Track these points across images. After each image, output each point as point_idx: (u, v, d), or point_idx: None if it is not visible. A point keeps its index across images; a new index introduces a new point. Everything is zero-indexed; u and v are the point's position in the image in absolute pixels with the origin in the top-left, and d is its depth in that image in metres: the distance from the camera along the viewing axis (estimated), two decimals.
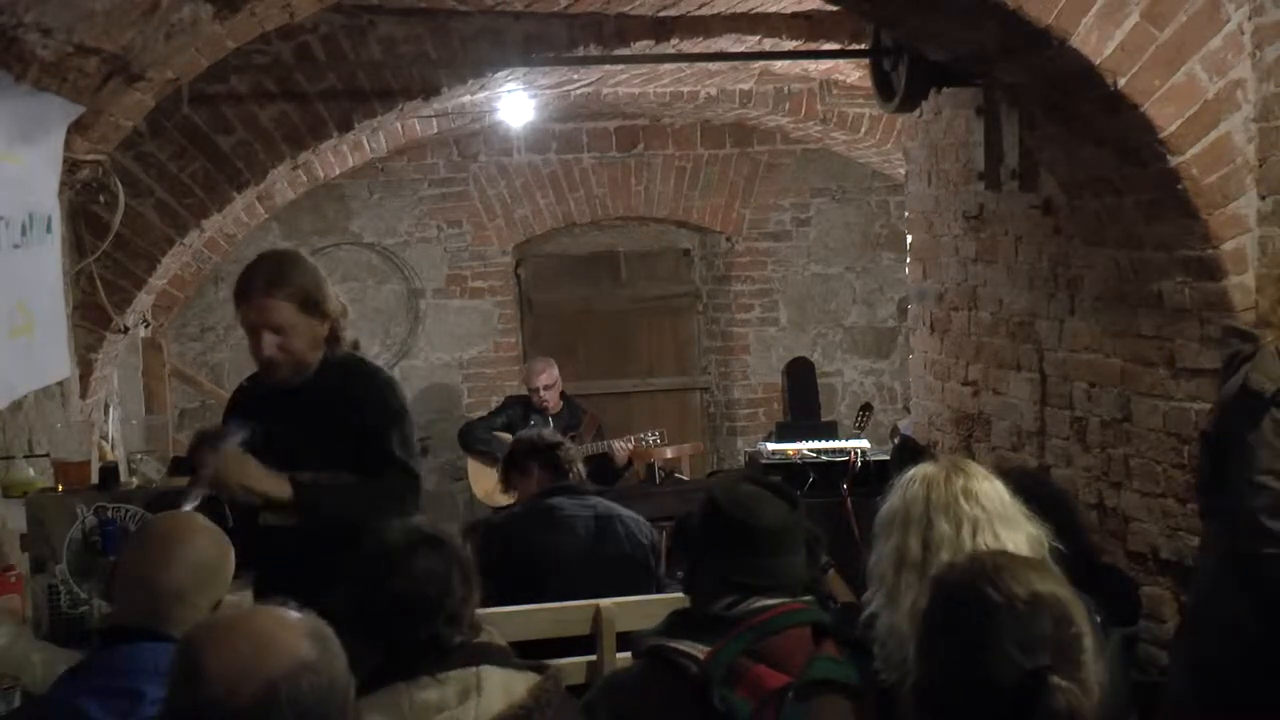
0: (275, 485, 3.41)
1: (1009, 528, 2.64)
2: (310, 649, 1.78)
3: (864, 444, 6.36)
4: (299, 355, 3.50)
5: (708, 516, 2.70)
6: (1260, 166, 3.70)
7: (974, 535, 2.60)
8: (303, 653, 1.77)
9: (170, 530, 2.63)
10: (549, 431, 5.30)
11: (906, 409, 8.08)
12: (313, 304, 3.49)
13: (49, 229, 3.51)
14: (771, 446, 6.47)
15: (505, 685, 2.50)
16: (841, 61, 6.51)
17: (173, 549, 2.54)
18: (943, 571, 2.09)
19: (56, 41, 3.08)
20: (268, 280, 3.48)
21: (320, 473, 3.47)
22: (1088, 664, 1.82)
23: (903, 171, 6.57)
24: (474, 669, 2.50)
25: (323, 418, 3.49)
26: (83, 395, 5.14)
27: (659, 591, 4.44)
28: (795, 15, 5.75)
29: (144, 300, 5.59)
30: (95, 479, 4.27)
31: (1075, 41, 3.54)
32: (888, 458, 5.99)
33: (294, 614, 1.83)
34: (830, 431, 7.08)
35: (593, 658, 4.02)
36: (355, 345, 3.70)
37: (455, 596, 2.58)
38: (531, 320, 9.53)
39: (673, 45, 5.78)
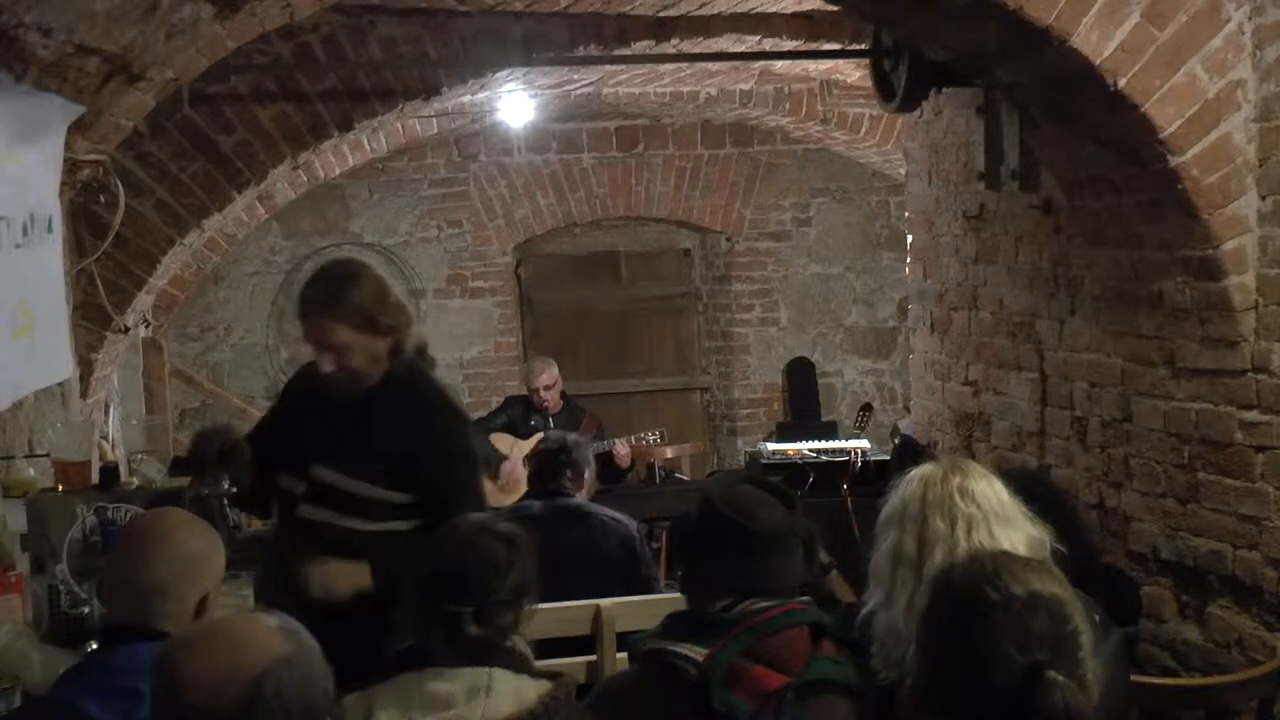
0: (359, 574, 3.37)
1: (1006, 526, 2.63)
2: (285, 644, 1.81)
3: (864, 444, 6.35)
4: (357, 370, 3.46)
5: (704, 518, 2.68)
6: (1260, 166, 3.69)
7: (969, 533, 2.59)
8: (279, 649, 1.80)
9: (150, 527, 2.61)
10: (558, 437, 5.03)
11: (907, 409, 8.08)
12: (371, 322, 3.42)
13: (50, 229, 3.52)
14: (772, 446, 6.47)
15: (517, 690, 2.50)
16: (841, 61, 6.51)
17: (153, 545, 2.52)
18: (942, 571, 2.09)
19: (57, 41, 3.08)
20: (323, 301, 3.44)
21: (354, 481, 3.42)
22: (1085, 661, 1.83)
23: (903, 171, 6.58)
24: (486, 669, 2.51)
25: (375, 435, 3.44)
26: (83, 395, 5.13)
27: (643, 583, 4.44)
28: (795, 15, 5.75)
29: (144, 300, 5.59)
30: (95, 479, 4.27)
31: (1075, 41, 3.54)
32: (888, 458, 6.00)
33: (264, 616, 1.87)
34: (830, 431, 7.09)
35: (593, 658, 4.02)
36: (421, 351, 3.59)
37: (499, 593, 2.60)
38: (531, 320, 9.53)
39: (673, 45, 5.78)
